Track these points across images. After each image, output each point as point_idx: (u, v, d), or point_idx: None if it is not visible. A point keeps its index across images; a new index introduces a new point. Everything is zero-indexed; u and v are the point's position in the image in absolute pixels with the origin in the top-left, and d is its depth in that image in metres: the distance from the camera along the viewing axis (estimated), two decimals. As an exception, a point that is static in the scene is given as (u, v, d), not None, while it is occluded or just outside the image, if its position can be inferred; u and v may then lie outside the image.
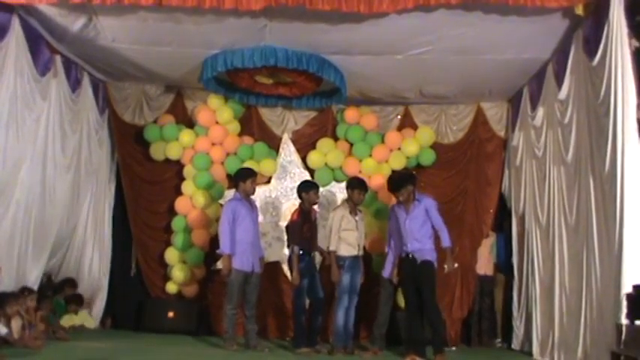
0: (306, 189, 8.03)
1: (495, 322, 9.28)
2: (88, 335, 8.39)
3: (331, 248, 7.83)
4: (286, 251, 9.10)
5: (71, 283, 8.92)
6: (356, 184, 8.00)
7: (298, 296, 7.83)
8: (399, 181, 7.54)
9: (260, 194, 9.40)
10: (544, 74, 7.79)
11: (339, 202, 8.90)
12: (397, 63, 7.92)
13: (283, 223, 9.45)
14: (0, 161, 6.93)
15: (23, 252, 7.63)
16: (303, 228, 7.84)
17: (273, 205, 9.56)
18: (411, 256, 7.34)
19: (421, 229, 7.34)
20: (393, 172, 8.66)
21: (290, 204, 9.51)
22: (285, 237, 8.44)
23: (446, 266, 7.32)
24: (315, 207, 8.36)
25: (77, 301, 8.91)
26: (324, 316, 8.17)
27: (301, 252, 7.77)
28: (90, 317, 9.07)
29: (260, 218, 9.25)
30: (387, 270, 7.91)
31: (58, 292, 8.74)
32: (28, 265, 7.79)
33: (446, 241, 7.34)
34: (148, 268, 9.63)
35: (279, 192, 9.61)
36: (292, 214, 8.07)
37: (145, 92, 9.62)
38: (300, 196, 8.06)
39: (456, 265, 7.55)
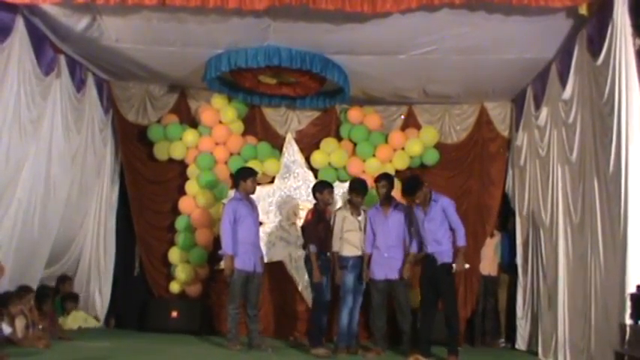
0: (320, 189, 8.01)
1: (499, 322, 9.28)
2: (92, 335, 8.39)
3: (334, 249, 7.83)
4: (300, 252, 9.13)
5: (65, 279, 8.88)
6: (353, 187, 7.98)
7: (319, 295, 7.82)
8: (414, 184, 7.53)
9: (263, 194, 9.42)
10: (548, 74, 7.78)
11: (341, 202, 8.90)
12: (401, 63, 7.92)
13: (286, 223, 9.48)
14: (3, 160, 6.94)
15: (25, 251, 7.65)
16: (317, 227, 7.81)
17: (276, 205, 9.55)
18: (431, 257, 7.36)
19: (439, 229, 7.35)
20: (404, 177, 8.59)
21: (294, 204, 9.53)
22: (301, 237, 8.43)
23: (455, 265, 7.33)
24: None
25: (73, 300, 8.88)
26: (329, 317, 8.16)
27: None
28: (90, 316, 9.05)
29: (263, 218, 9.28)
30: (377, 271, 7.90)
31: (59, 291, 8.75)
32: (30, 264, 7.82)
33: (461, 241, 7.35)
34: (152, 267, 9.64)
35: (283, 192, 9.60)
36: (307, 214, 8.06)
37: (149, 92, 9.64)
38: (314, 196, 8.04)
39: (467, 265, 7.53)
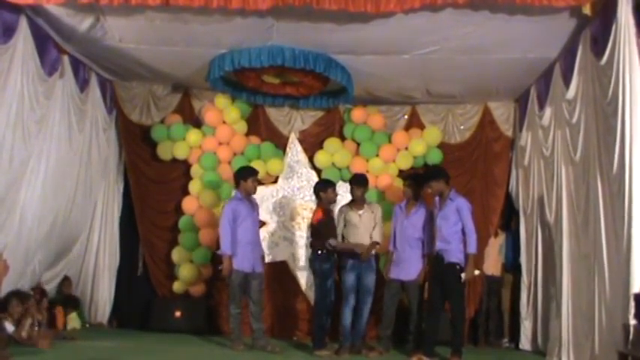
0: (324, 187, 7.96)
1: (502, 322, 9.26)
2: (95, 335, 8.40)
3: (332, 244, 7.72)
4: (302, 251, 9.14)
5: (64, 280, 8.82)
6: (354, 180, 8.01)
7: (323, 297, 7.78)
8: (431, 173, 7.56)
9: (267, 194, 9.43)
10: (551, 74, 7.77)
11: (345, 201, 8.89)
12: (404, 62, 7.92)
13: (290, 223, 9.49)
14: (6, 161, 6.94)
15: (30, 251, 7.67)
16: (330, 225, 7.79)
17: (280, 205, 9.55)
18: (439, 255, 7.34)
19: (451, 228, 7.29)
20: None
21: (297, 204, 9.54)
22: (304, 237, 8.37)
23: (463, 275, 7.25)
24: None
25: (73, 304, 8.75)
26: (333, 317, 8.16)
27: (320, 252, 7.71)
28: (78, 318, 8.82)
29: (267, 218, 9.28)
30: (392, 270, 7.93)
31: (60, 292, 8.71)
32: (35, 263, 7.84)
33: (471, 248, 7.25)
34: (155, 267, 9.65)
35: (286, 192, 9.61)
36: (316, 214, 7.92)
37: (152, 92, 9.64)
38: (318, 195, 7.99)
39: (477, 272, 7.48)
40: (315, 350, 7.62)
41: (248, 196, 7.97)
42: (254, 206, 8.04)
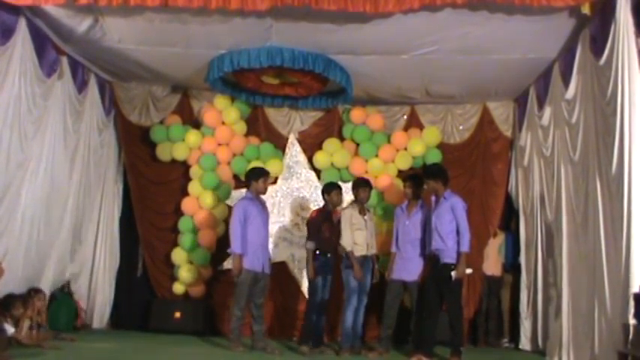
0: (328, 190, 8.06)
1: (502, 322, 9.26)
2: (95, 336, 8.41)
3: (348, 249, 7.76)
4: (299, 251, 9.17)
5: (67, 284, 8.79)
6: (359, 183, 8.07)
7: (312, 294, 7.86)
8: (430, 172, 7.57)
9: (266, 194, 9.40)
10: (550, 74, 7.78)
11: (344, 202, 8.89)
12: (403, 63, 7.92)
13: (289, 223, 9.49)
14: (4, 162, 6.94)
15: (30, 253, 7.66)
16: (322, 226, 7.82)
17: (279, 206, 9.55)
18: (435, 255, 7.33)
19: (445, 227, 7.27)
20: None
21: (296, 204, 9.52)
22: (304, 237, 8.40)
23: (454, 273, 7.19)
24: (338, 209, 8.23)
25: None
26: (329, 317, 8.16)
27: (317, 251, 7.77)
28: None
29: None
30: (393, 271, 7.93)
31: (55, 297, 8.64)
32: (37, 266, 7.83)
33: (463, 246, 7.19)
34: (155, 268, 9.64)
35: (285, 192, 9.61)
36: (312, 212, 8.08)
37: (152, 93, 9.64)
38: (323, 197, 8.08)
39: (469, 271, 7.44)
40: (299, 346, 7.74)
41: (258, 197, 8.01)
42: (264, 207, 8.08)
